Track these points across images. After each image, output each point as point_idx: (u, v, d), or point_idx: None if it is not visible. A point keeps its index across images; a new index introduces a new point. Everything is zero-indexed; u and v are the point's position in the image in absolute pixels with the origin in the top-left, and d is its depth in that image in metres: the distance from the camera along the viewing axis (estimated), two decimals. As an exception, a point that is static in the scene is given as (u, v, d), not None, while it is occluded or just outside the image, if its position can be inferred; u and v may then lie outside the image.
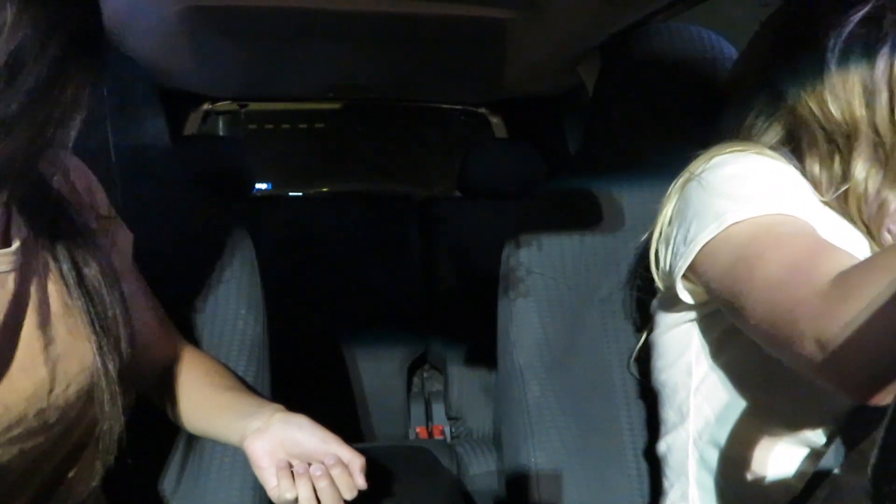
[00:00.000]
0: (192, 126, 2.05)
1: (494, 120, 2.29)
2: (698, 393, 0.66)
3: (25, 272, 0.52)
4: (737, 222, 0.58)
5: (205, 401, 0.68)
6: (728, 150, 0.64)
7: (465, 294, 1.70)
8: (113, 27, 0.54)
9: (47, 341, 0.52)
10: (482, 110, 2.28)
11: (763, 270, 0.54)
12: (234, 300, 0.80)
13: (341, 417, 1.71)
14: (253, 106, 2.29)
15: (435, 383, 1.88)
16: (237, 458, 0.74)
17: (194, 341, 0.78)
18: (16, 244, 0.51)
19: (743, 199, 0.59)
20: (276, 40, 1.42)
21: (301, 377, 1.58)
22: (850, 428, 0.55)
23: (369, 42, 1.44)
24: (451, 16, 1.21)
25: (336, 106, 2.48)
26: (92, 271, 0.55)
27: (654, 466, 0.74)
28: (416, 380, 1.89)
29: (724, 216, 0.59)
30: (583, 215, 0.70)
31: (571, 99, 1.90)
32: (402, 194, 2.62)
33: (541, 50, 1.38)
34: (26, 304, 0.51)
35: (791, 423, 0.59)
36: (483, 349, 0.70)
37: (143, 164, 0.85)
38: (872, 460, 0.28)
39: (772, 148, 0.64)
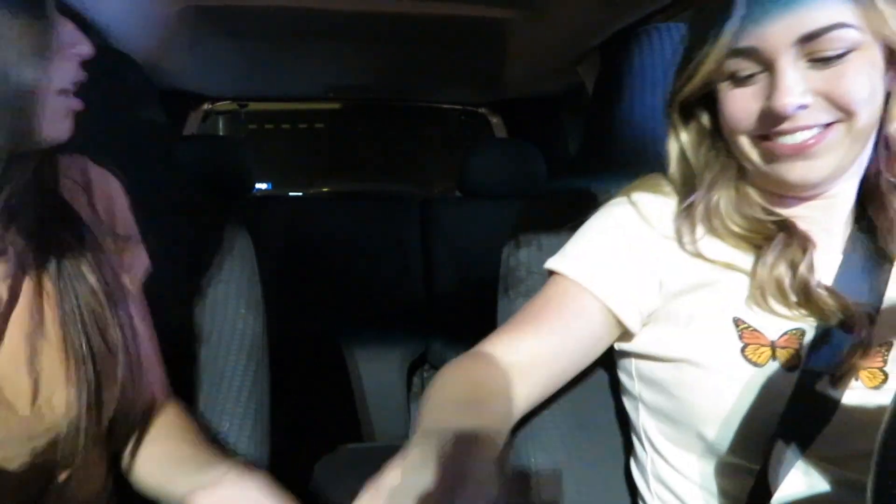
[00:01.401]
0: (192, 126, 2.05)
1: (494, 120, 2.29)
2: (644, 415, 0.67)
3: (16, 283, 0.51)
4: (551, 268, 0.64)
5: (164, 453, 0.63)
6: (636, 189, 0.65)
7: (465, 294, 1.71)
8: (113, 27, 0.54)
9: (32, 352, 0.51)
10: (482, 110, 2.28)
11: None
12: (234, 300, 0.80)
13: (341, 417, 1.71)
14: (253, 106, 2.30)
15: (435, 383, 1.88)
16: (236, 457, 0.74)
17: (194, 341, 0.78)
18: (9, 253, 0.50)
19: (571, 249, 0.65)
20: (276, 40, 1.42)
21: (301, 377, 1.58)
22: (774, 457, 0.55)
23: (369, 42, 1.44)
24: (451, 16, 1.21)
25: (336, 106, 2.48)
26: (91, 288, 0.54)
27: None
28: (416, 380, 1.90)
29: (554, 259, 0.65)
30: (583, 215, 0.70)
31: (571, 99, 1.90)
32: (402, 194, 2.62)
33: (541, 50, 1.38)
34: (9, 314, 0.51)
35: (716, 448, 0.59)
36: (483, 349, 0.71)
37: (143, 164, 0.85)
38: (873, 467, 0.28)
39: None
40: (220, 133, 2.72)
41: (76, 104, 0.51)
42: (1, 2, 0.43)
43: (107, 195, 0.61)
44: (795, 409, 0.55)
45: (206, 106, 2.08)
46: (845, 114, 0.52)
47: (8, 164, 0.46)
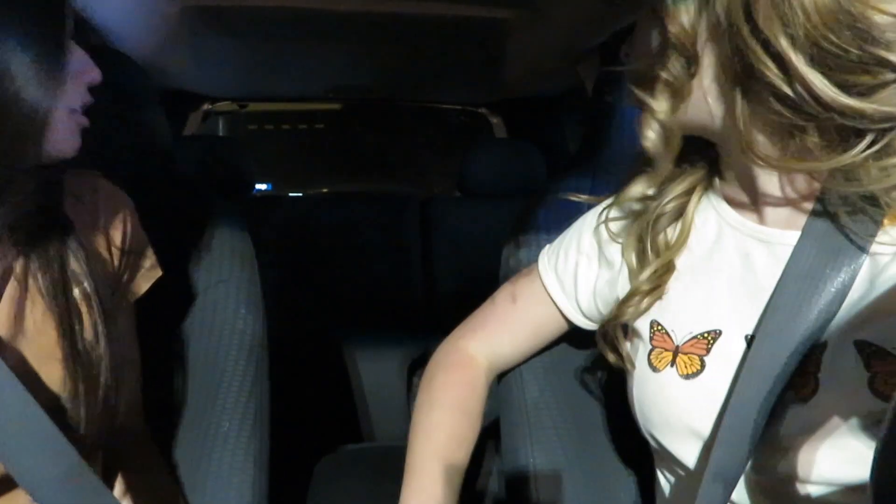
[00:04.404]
0: (192, 126, 2.05)
1: (494, 120, 2.29)
2: None
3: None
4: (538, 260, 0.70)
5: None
6: (623, 193, 0.64)
7: (465, 294, 1.70)
8: (113, 27, 0.55)
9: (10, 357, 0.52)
10: (482, 110, 2.28)
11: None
12: (233, 300, 0.80)
13: (341, 417, 1.71)
14: (253, 106, 2.29)
15: (435, 383, 1.87)
16: (235, 457, 0.74)
17: (194, 341, 0.78)
18: None
19: (557, 246, 0.69)
20: (275, 40, 1.42)
21: (301, 377, 1.58)
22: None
23: (369, 42, 1.44)
24: (452, 16, 1.20)
25: (336, 106, 2.48)
26: (80, 296, 0.55)
27: (653, 467, 0.74)
28: (416, 380, 1.89)
29: (545, 252, 0.71)
30: (583, 215, 0.70)
31: (571, 99, 1.90)
32: (402, 194, 2.62)
33: (541, 50, 1.38)
34: None
35: (656, 449, 0.60)
36: (483, 349, 0.72)
37: (142, 165, 0.85)
38: (873, 467, 0.27)
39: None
40: (220, 133, 2.72)
41: (84, 121, 0.54)
42: (19, 31, 0.46)
43: (114, 212, 0.62)
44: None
45: (206, 106, 2.07)
46: None
47: (11, 180, 0.48)
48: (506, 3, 1.11)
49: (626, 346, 0.61)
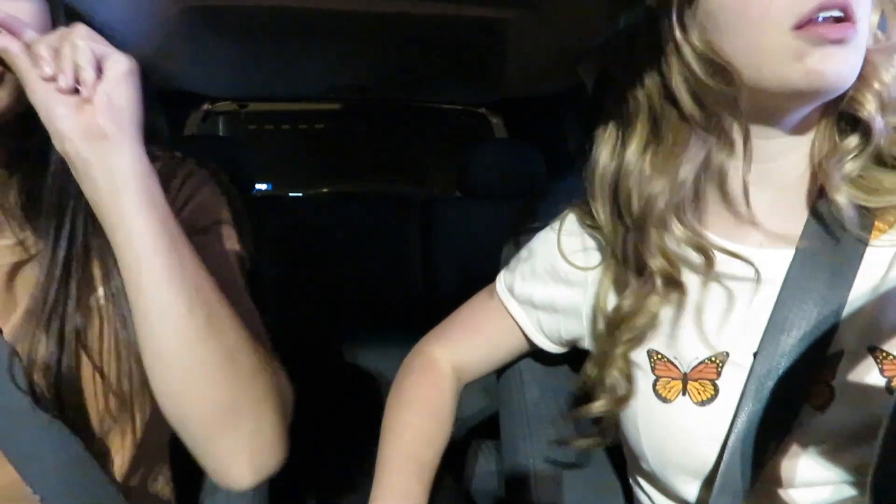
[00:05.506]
0: (192, 126, 2.05)
1: (494, 120, 2.29)
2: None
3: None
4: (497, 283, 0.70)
5: None
6: (573, 209, 0.66)
7: (465, 294, 1.70)
8: (113, 27, 0.54)
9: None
10: (482, 110, 2.28)
11: None
12: (233, 300, 0.79)
13: (341, 417, 1.71)
14: (253, 106, 2.29)
15: (435, 383, 1.87)
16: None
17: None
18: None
19: (514, 266, 0.69)
20: (276, 40, 1.42)
21: (301, 377, 1.57)
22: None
23: (369, 42, 1.44)
24: (451, 16, 1.20)
25: (336, 106, 2.48)
26: (95, 300, 0.53)
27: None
28: (415, 380, 1.89)
29: (502, 275, 0.70)
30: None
31: (571, 99, 1.90)
32: (402, 194, 2.61)
33: (541, 50, 1.38)
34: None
35: (654, 477, 0.58)
36: (483, 349, 0.73)
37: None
38: (872, 467, 0.28)
39: None
40: (220, 133, 2.72)
41: None
42: None
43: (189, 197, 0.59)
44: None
45: (206, 106, 2.07)
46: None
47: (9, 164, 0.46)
48: (506, 3, 1.11)
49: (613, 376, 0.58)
